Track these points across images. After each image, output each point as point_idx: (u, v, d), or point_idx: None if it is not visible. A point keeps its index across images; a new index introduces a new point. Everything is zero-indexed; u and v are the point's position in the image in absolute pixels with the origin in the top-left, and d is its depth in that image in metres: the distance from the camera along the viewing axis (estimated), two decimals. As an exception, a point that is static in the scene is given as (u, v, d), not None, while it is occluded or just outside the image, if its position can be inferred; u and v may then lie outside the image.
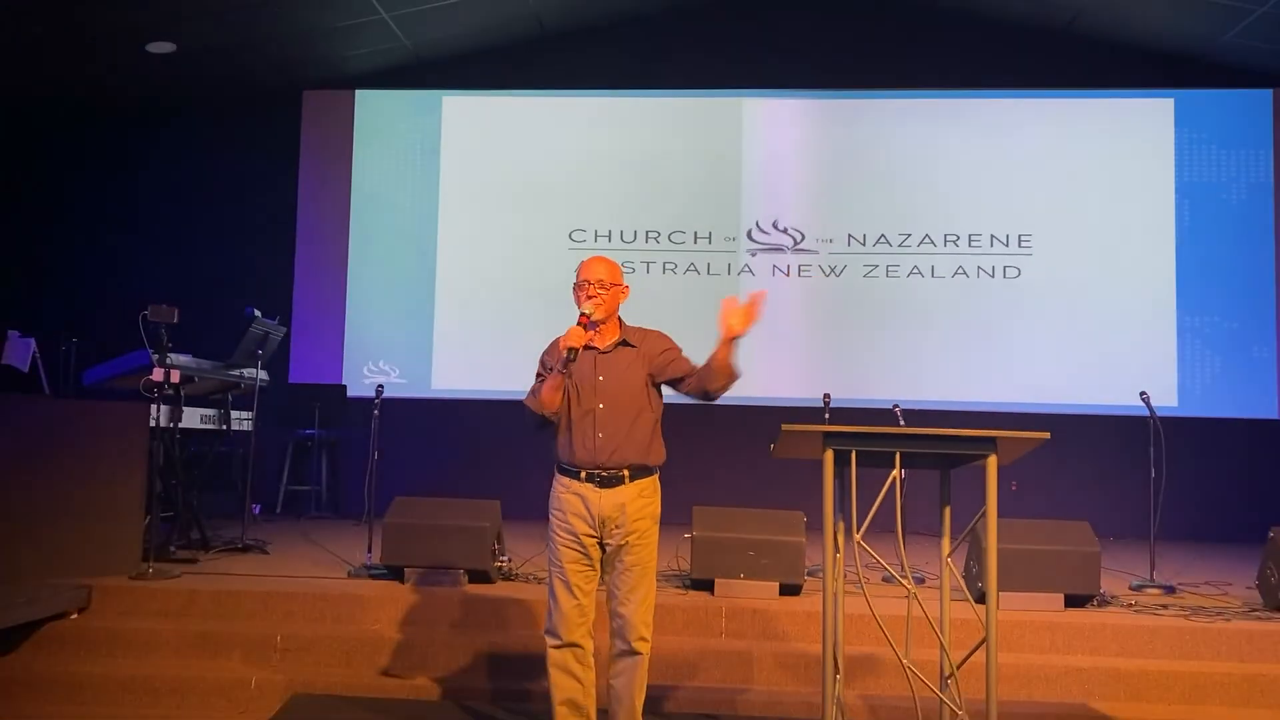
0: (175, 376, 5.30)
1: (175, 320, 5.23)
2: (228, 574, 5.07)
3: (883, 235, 8.34)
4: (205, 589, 4.74)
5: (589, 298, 3.35)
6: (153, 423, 5.19)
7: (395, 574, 4.96)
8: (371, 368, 8.38)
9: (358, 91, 8.69)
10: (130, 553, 4.94)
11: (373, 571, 5.12)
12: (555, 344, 3.44)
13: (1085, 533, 4.89)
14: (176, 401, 5.49)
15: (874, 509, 3.03)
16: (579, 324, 3.28)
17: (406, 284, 8.52)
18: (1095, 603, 4.81)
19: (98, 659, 4.34)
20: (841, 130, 8.47)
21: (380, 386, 5.66)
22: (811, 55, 8.43)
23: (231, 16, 7.45)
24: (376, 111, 8.69)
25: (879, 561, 3.31)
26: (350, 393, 8.14)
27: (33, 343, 6.73)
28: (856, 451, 3.11)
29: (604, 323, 3.39)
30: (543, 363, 3.47)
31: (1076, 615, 4.64)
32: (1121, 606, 4.83)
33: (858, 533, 3.13)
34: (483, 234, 8.55)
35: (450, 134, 8.63)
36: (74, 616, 4.53)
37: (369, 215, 8.60)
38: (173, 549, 5.41)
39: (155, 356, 5.25)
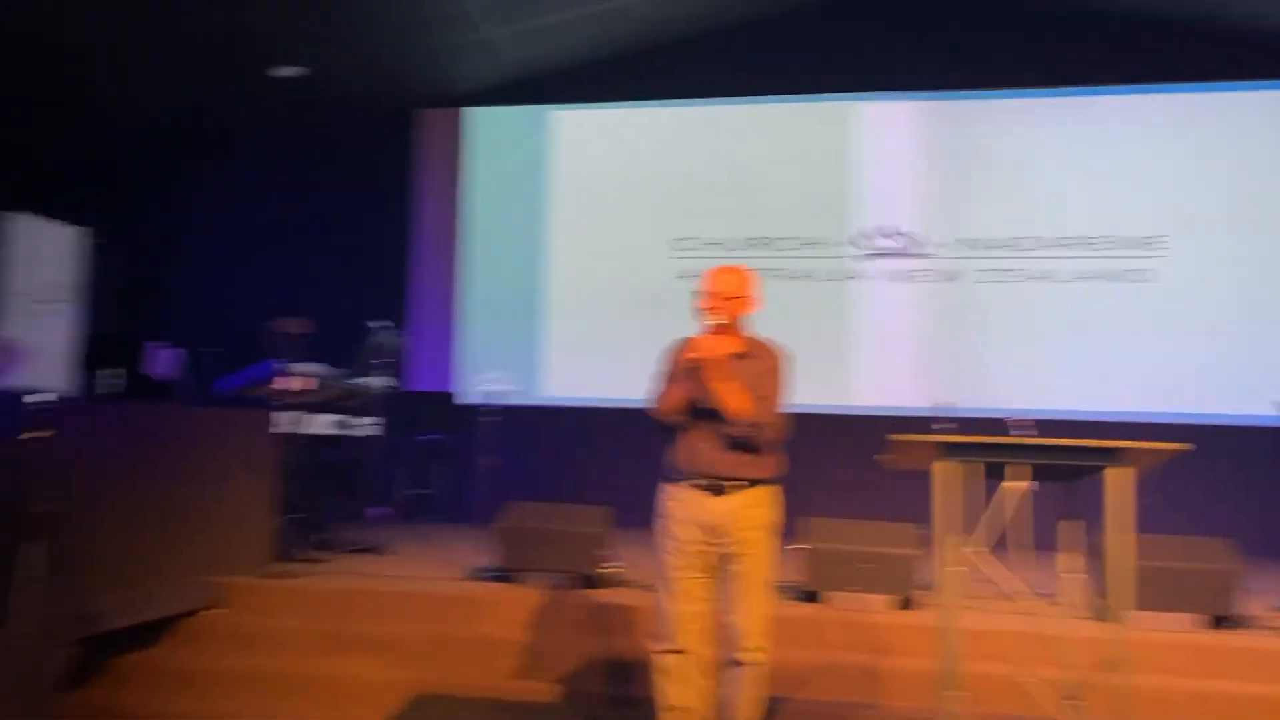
0: (301, 385, 5.53)
1: (302, 331, 5.47)
2: (351, 574, 5.26)
3: (1013, 238, 8.04)
4: (330, 589, 4.94)
5: (707, 309, 3.35)
6: (279, 429, 5.42)
7: (509, 578, 5.06)
8: (484, 376, 8.56)
9: (467, 109, 8.92)
10: (260, 553, 5.17)
11: (488, 575, 5.23)
12: (676, 345, 3.45)
13: (1225, 550, 4.64)
14: (302, 408, 5.73)
15: (990, 521, 2.94)
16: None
17: (517, 293, 8.68)
18: (1234, 624, 4.54)
19: (231, 654, 4.55)
20: (954, 132, 8.24)
21: (493, 394, 5.78)
22: (923, 57, 8.23)
23: (349, 40, 7.77)
24: (485, 127, 8.90)
25: (997, 576, 3.21)
26: (463, 400, 8.36)
27: (183, 353, 7.07)
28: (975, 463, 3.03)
29: (724, 333, 3.37)
30: (666, 362, 3.48)
31: (1213, 637, 4.40)
32: (1264, 629, 4.56)
33: (976, 546, 3.05)
34: (592, 244, 8.65)
35: (557, 147, 8.77)
36: (209, 613, 4.76)
37: (480, 227, 8.81)
38: (300, 551, 5.62)
39: (282, 365, 5.49)
